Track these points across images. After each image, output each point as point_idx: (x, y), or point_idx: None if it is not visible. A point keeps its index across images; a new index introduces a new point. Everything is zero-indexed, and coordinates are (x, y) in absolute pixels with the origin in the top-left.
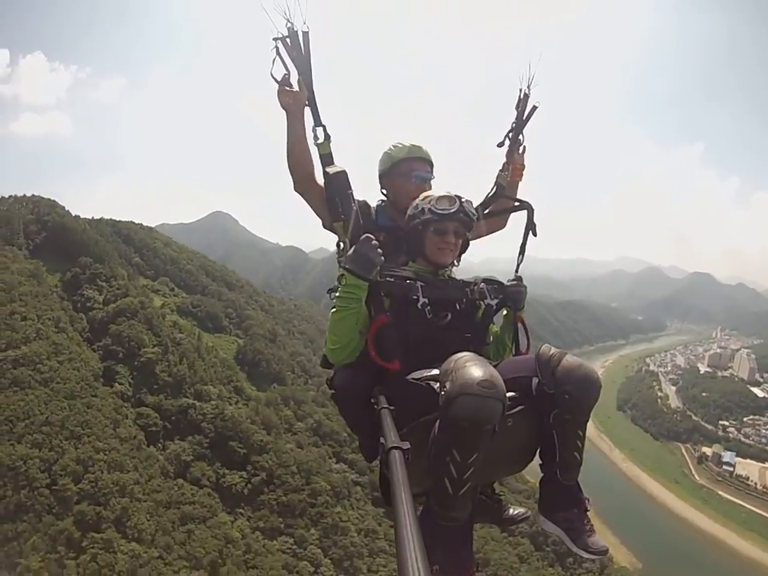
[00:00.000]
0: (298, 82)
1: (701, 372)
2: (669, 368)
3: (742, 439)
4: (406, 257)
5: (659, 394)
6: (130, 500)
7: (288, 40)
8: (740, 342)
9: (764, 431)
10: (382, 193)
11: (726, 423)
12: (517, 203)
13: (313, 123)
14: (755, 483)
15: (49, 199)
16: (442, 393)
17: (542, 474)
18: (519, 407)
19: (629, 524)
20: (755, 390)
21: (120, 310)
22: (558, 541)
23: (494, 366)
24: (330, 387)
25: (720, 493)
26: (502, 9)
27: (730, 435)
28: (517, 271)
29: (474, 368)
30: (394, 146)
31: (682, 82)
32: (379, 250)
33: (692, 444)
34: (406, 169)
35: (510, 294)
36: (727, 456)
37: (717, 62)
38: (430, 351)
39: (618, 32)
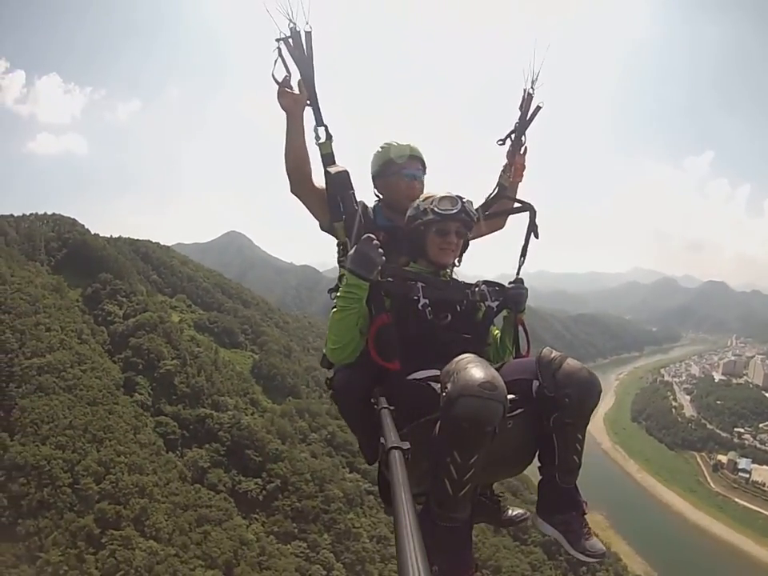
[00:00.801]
0: (299, 83)
1: (715, 380)
2: (683, 378)
3: (758, 445)
4: (406, 257)
5: (673, 403)
6: (149, 501)
7: (290, 40)
8: (755, 349)
9: None
10: (375, 193)
11: (741, 430)
12: (519, 204)
13: (314, 123)
14: None
15: (69, 218)
16: (443, 393)
17: (540, 477)
18: (519, 410)
19: (643, 533)
20: None
21: (140, 324)
22: None
23: (495, 368)
24: (330, 387)
25: (736, 500)
26: (504, 6)
27: (746, 442)
28: (518, 273)
29: (475, 369)
30: (383, 146)
31: (692, 90)
32: (380, 250)
33: (707, 452)
34: (396, 168)
35: (511, 296)
36: (743, 463)
37: (725, 69)
38: (430, 352)
39: (625, 38)
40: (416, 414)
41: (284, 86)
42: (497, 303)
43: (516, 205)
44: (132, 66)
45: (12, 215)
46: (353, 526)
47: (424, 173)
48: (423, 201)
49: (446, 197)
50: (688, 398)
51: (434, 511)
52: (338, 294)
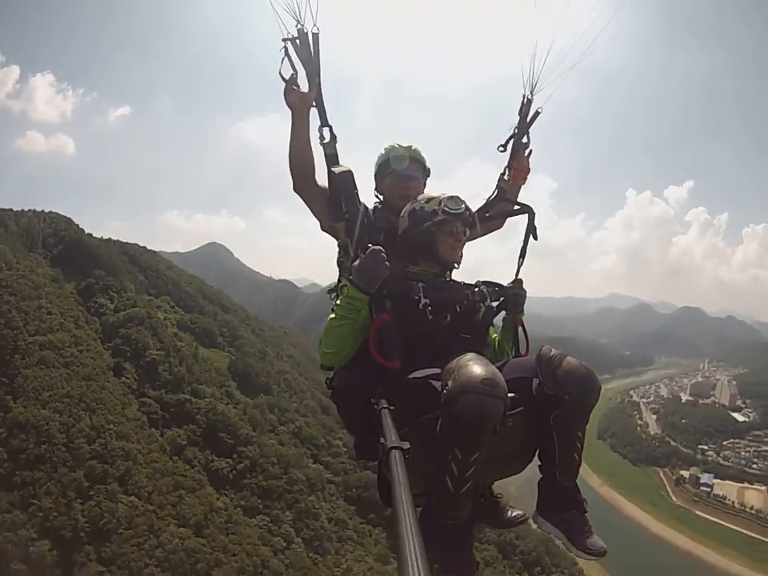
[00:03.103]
0: (309, 81)
1: (682, 401)
2: (651, 398)
3: (721, 462)
4: (406, 259)
5: (639, 422)
6: (133, 464)
7: (298, 41)
8: (726, 372)
9: (744, 453)
10: (376, 194)
11: (705, 447)
12: (518, 207)
13: (319, 123)
14: (733, 502)
15: (65, 216)
16: (444, 391)
17: (540, 475)
18: (520, 408)
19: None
20: (736, 414)
21: (129, 317)
22: (526, 551)
23: (496, 367)
24: (330, 387)
25: (698, 513)
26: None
27: (709, 458)
28: (517, 274)
29: (476, 367)
30: (385, 148)
31: (672, 120)
32: (386, 263)
33: (670, 468)
34: (392, 168)
35: (511, 297)
36: (705, 477)
37: (705, 101)
38: (430, 351)
39: (605, 67)
40: (416, 413)
41: (291, 83)
42: (496, 304)
43: (515, 207)
44: (126, 71)
45: (12, 209)
46: (313, 507)
47: (423, 175)
48: (427, 202)
49: (452, 196)
50: (654, 416)
51: (434, 509)
52: (338, 302)
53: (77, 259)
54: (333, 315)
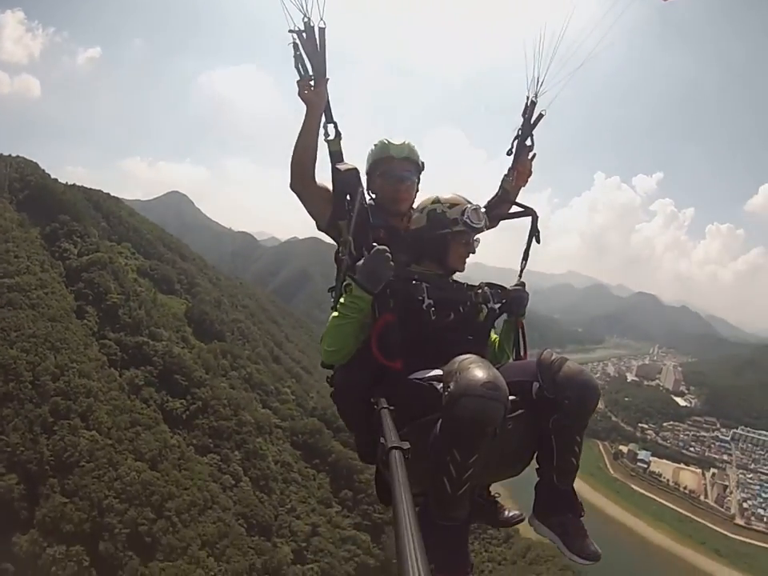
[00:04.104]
0: (319, 76)
1: (628, 380)
2: (598, 375)
3: (660, 441)
4: (411, 255)
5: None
6: (94, 400)
7: (304, 34)
8: (675, 359)
9: (682, 436)
10: (368, 192)
11: (645, 426)
12: (521, 209)
13: (324, 120)
14: (668, 480)
15: (31, 161)
16: (446, 393)
17: (538, 478)
18: (519, 411)
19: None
20: (678, 399)
21: (92, 262)
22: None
23: (497, 369)
24: (331, 385)
25: (633, 486)
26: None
27: (648, 437)
28: (520, 276)
29: (477, 370)
30: (375, 145)
31: (649, 116)
32: (391, 263)
33: (610, 442)
34: (385, 169)
35: (513, 299)
36: (642, 454)
37: (685, 99)
38: (431, 352)
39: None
40: (417, 413)
41: (307, 80)
42: (498, 305)
43: (519, 209)
44: (100, 11)
45: None
46: (260, 448)
47: (416, 174)
48: (450, 207)
49: (476, 208)
50: None
51: (432, 510)
52: (341, 301)
53: (42, 204)
54: (335, 313)
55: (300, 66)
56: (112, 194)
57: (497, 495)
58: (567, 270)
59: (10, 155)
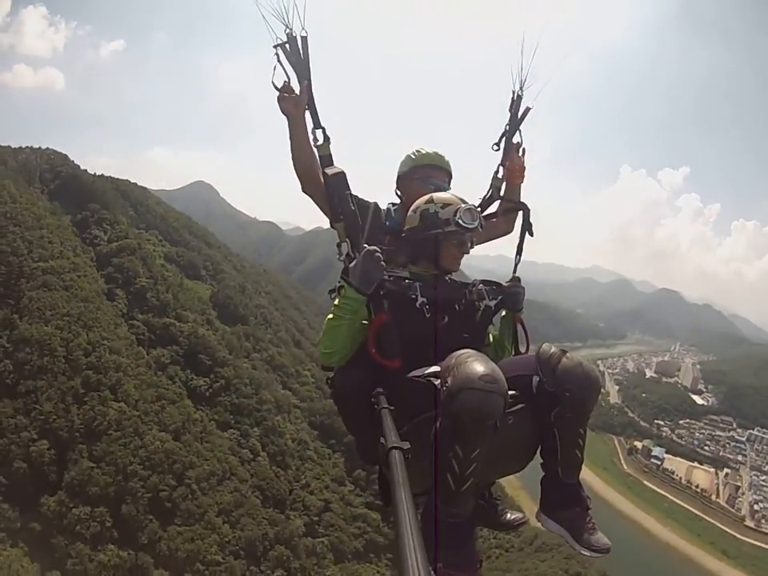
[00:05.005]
0: (300, 85)
1: (647, 377)
2: (617, 370)
3: (675, 438)
4: (406, 256)
5: (601, 390)
6: (123, 375)
7: (287, 45)
8: (696, 357)
9: (698, 434)
10: (397, 194)
11: (661, 423)
12: (512, 205)
13: (312, 125)
14: (680, 478)
15: (61, 153)
16: (444, 388)
17: (543, 473)
18: (520, 405)
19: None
20: (695, 397)
21: (121, 248)
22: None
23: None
24: (331, 387)
25: (645, 482)
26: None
27: (663, 434)
28: (515, 272)
29: (475, 363)
30: (417, 151)
31: (676, 107)
32: (382, 264)
33: (625, 437)
34: (424, 175)
35: (509, 295)
36: (656, 451)
37: (712, 93)
38: (428, 350)
39: (617, 48)
40: (416, 411)
41: (284, 91)
42: (494, 302)
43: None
44: (123, 5)
45: (10, 146)
46: (278, 426)
47: (449, 185)
48: (442, 207)
49: (469, 208)
50: (617, 387)
51: (436, 507)
52: (336, 302)
53: (72, 193)
54: (331, 315)
55: (275, 80)
56: (139, 184)
57: (498, 497)
58: (592, 265)
59: (39, 147)
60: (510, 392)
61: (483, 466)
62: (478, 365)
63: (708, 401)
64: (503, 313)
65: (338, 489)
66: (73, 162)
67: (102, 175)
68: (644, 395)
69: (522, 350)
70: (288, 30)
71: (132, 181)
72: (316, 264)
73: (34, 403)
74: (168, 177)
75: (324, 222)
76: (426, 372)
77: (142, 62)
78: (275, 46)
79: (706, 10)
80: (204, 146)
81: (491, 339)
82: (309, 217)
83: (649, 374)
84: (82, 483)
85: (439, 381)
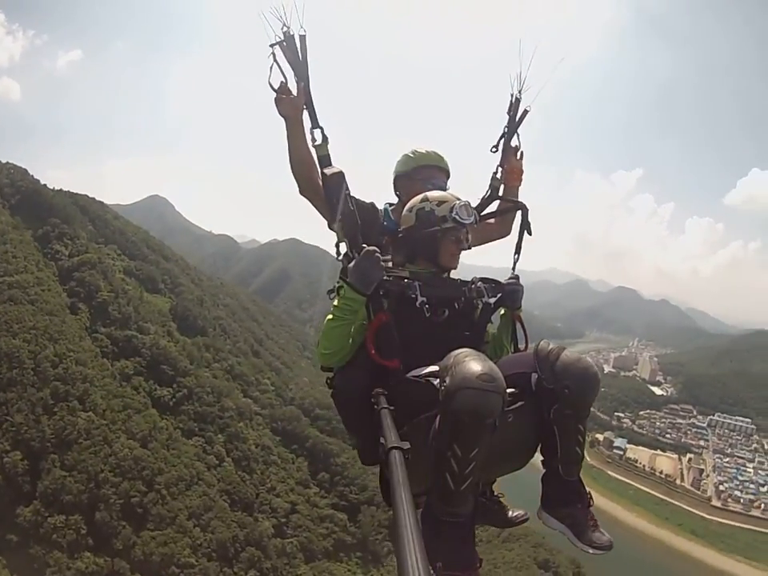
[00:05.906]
0: (297, 85)
1: (605, 371)
2: None
3: (636, 429)
4: (404, 256)
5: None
6: (90, 385)
7: (285, 44)
8: (654, 351)
9: (659, 423)
10: (396, 194)
11: (621, 415)
12: (510, 204)
13: (310, 125)
14: (644, 466)
15: (21, 167)
16: (442, 387)
17: (543, 471)
18: (519, 403)
19: (516, 487)
20: (654, 388)
21: (82, 262)
22: None
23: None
24: (330, 387)
25: (609, 473)
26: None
27: (624, 425)
28: (513, 270)
29: (473, 362)
30: (416, 150)
31: (628, 109)
32: (381, 263)
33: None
34: (425, 175)
35: (508, 293)
36: (618, 441)
37: (664, 95)
38: (428, 349)
39: (572, 51)
40: (416, 411)
41: (281, 92)
42: (494, 300)
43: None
44: (81, 13)
45: None
46: (241, 432)
47: (447, 187)
48: (438, 205)
49: (464, 204)
50: None
51: (435, 507)
52: (335, 303)
53: (33, 208)
54: (330, 316)
55: (272, 80)
56: (97, 198)
57: (501, 495)
58: (548, 267)
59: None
60: (509, 390)
61: (484, 465)
62: (475, 364)
63: (667, 391)
64: (502, 311)
65: (303, 491)
66: (33, 176)
67: (61, 190)
68: (603, 389)
69: (522, 348)
70: (285, 29)
71: (90, 195)
72: (272, 276)
73: (5, 415)
74: (125, 189)
75: (279, 235)
76: (425, 372)
77: (99, 72)
78: (272, 45)
79: (658, 13)
80: (159, 158)
81: (490, 339)
82: (264, 230)
83: (607, 369)
84: (55, 492)
85: (438, 380)
